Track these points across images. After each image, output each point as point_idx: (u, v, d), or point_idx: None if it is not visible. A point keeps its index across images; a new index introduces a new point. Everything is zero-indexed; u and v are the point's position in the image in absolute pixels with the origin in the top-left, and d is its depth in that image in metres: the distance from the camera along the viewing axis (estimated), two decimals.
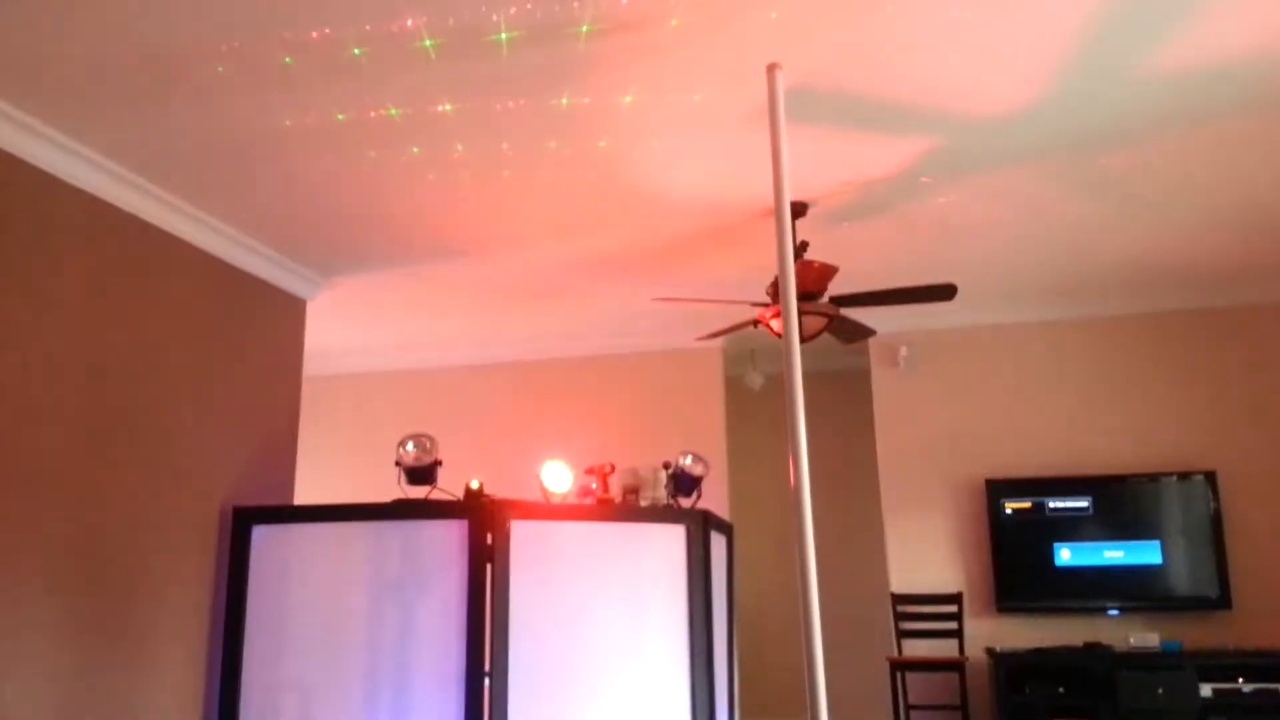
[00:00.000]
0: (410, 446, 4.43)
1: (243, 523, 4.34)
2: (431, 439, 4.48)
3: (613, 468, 4.96)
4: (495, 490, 4.74)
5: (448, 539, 4.26)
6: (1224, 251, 5.03)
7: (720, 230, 4.63)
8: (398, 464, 4.42)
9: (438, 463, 4.47)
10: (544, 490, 4.74)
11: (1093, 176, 4.09)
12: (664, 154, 3.78)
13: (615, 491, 5.23)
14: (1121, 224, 4.63)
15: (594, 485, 4.83)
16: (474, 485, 4.64)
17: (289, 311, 5.08)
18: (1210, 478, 5.40)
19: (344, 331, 6.33)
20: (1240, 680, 4.86)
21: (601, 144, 3.67)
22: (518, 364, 6.77)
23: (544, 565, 4.31)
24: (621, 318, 6.13)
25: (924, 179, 4.04)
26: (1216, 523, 5.34)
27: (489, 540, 4.25)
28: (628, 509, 4.56)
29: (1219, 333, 5.72)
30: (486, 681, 4.10)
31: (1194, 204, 4.39)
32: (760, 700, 6.58)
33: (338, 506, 4.39)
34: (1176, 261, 5.18)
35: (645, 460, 6.14)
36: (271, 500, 4.77)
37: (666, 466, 4.87)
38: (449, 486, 4.48)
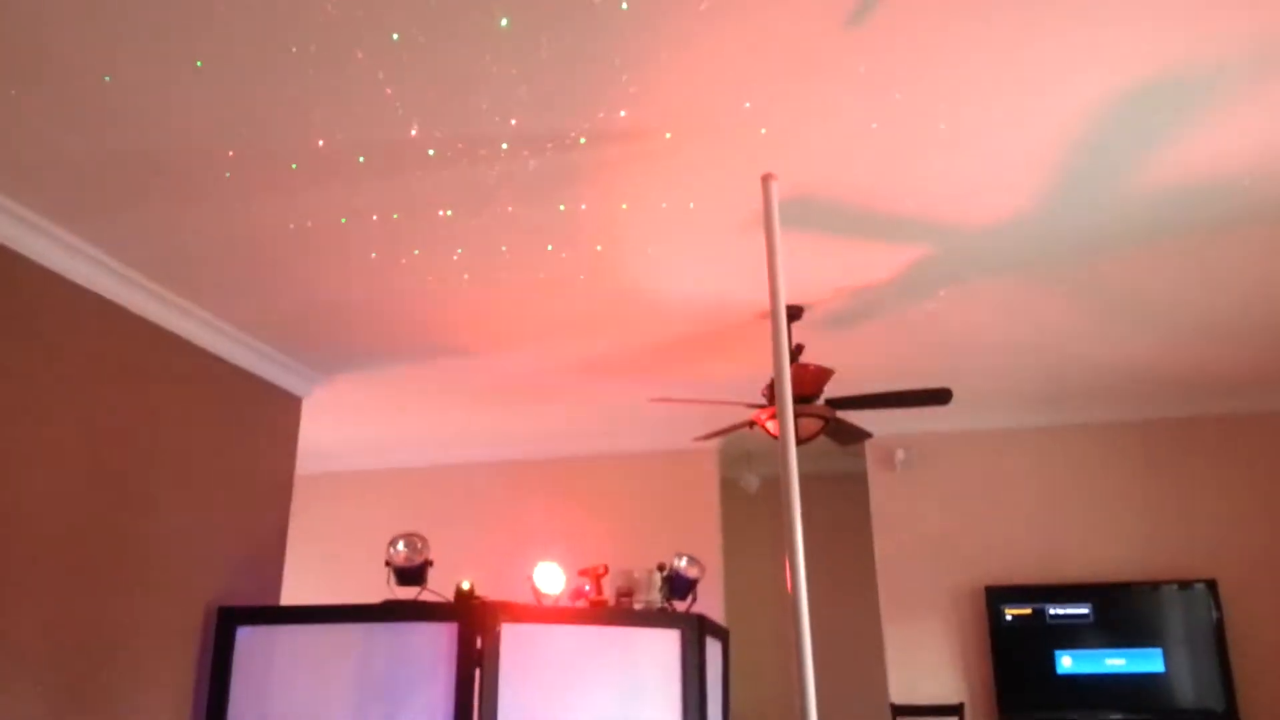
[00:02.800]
0: (400, 546, 4.38)
1: (227, 623, 4.25)
2: (422, 539, 4.43)
3: (606, 569, 4.89)
4: (486, 591, 4.66)
5: (437, 642, 4.17)
6: (1220, 360, 5.08)
7: (716, 333, 4.68)
8: (388, 564, 4.36)
9: (428, 563, 4.41)
10: (536, 592, 4.66)
11: (1086, 284, 4.16)
12: (660, 259, 3.85)
13: (609, 594, 5.14)
14: (1116, 331, 4.69)
15: (587, 587, 4.75)
16: (465, 586, 4.57)
17: (284, 408, 5.08)
18: (1212, 586, 5.33)
19: (337, 429, 6.32)
20: None
21: (598, 248, 3.74)
22: (511, 463, 6.74)
23: (535, 669, 4.21)
24: (616, 418, 6.14)
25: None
26: (1220, 632, 5.25)
27: (479, 644, 4.17)
28: (621, 612, 4.49)
29: (1218, 441, 5.72)
30: None
31: (1188, 313, 4.45)
32: None
33: (324, 607, 4.31)
34: (1173, 370, 5.22)
35: (639, 562, 6.04)
36: (258, 600, 4.68)
37: (661, 569, 4.80)
38: (439, 587, 4.41)
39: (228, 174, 3.14)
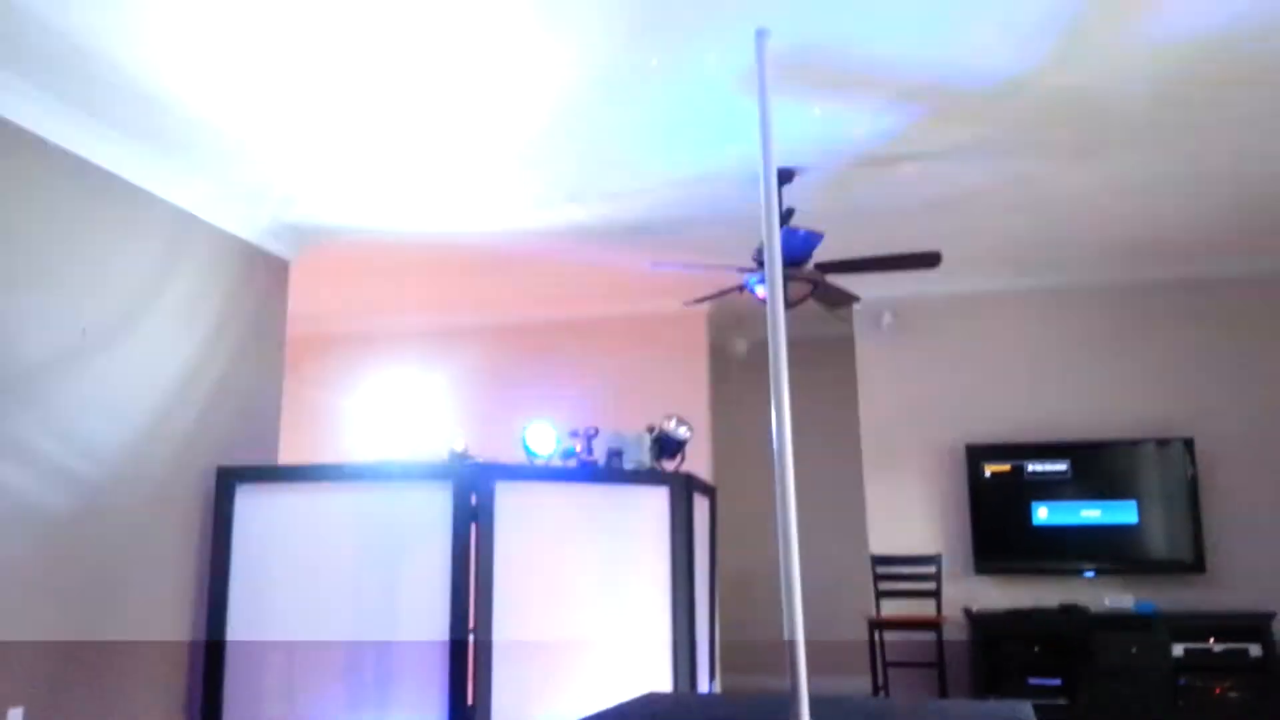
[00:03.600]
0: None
1: (226, 482, 4.34)
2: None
3: (597, 430, 4.99)
4: (479, 453, 4.75)
5: (432, 501, 4.29)
6: (1210, 224, 5.06)
7: (705, 199, 4.62)
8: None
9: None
10: (529, 452, 4.76)
11: (1082, 146, 4.09)
12: (650, 123, 3.76)
13: (599, 454, 5.26)
14: (1109, 192, 4.65)
15: (578, 448, 4.85)
16: (457, 448, 4.66)
17: (272, 273, 5.05)
18: (1189, 444, 5.48)
19: (329, 293, 6.30)
20: (1211, 640, 4.97)
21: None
22: (502, 327, 6.76)
23: (528, 527, 4.35)
24: (609, 283, 6.13)
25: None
26: (1193, 488, 5.43)
27: (473, 501, 4.28)
28: (611, 472, 4.59)
29: (1202, 303, 5.76)
30: (471, 638, 4.16)
31: (1181, 174, 4.41)
32: (742, 659, 6.68)
33: (322, 466, 4.41)
34: (1162, 233, 5.21)
35: (629, 424, 6.15)
36: (257, 460, 4.77)
37: (651, 430, 4.90)
38: (432, 449, 4.50)
39: None
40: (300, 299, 6.28)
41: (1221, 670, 4.91)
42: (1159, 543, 5.43)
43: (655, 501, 4.53)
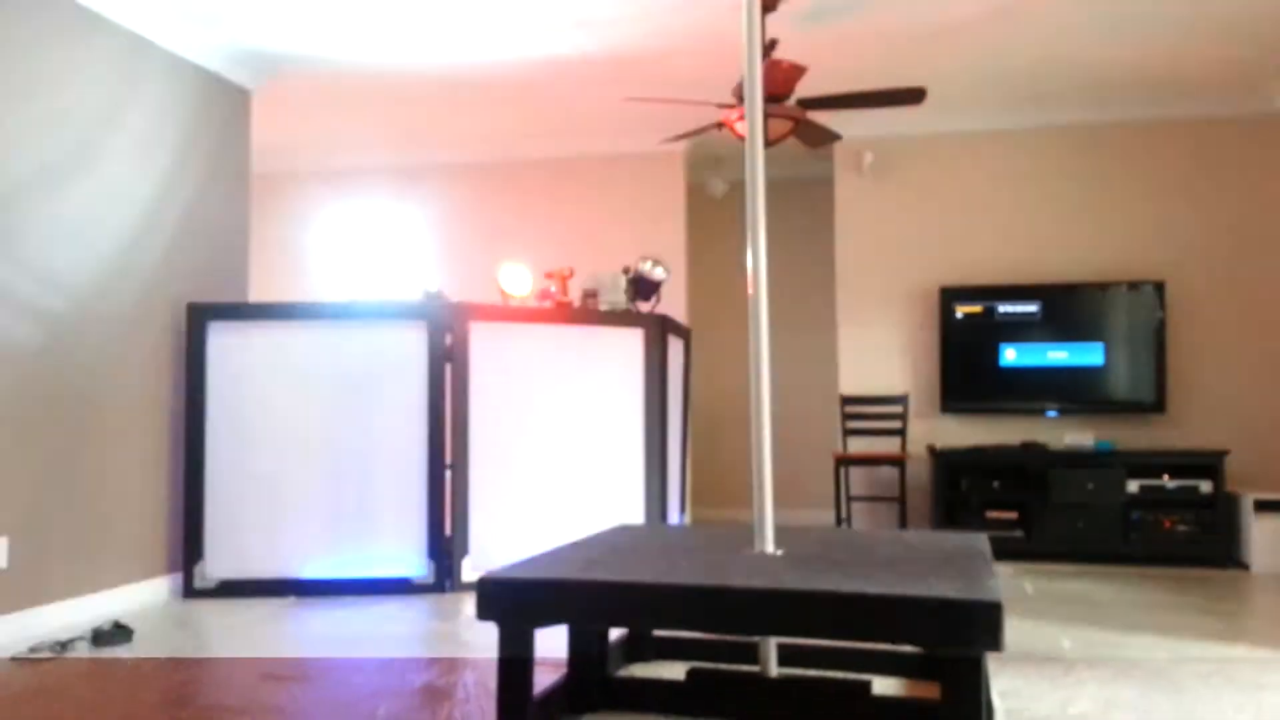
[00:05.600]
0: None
1: (198, 319, 4.31)
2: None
3: (572, 271, 4.96)
4: (454, 295, 4.73)
5: (406, 339, 4.30)
6: (1196, 60, 4.92)
7: (687, 28, 4.43)
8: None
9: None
10: (503, 293, 4.74)
11: None
12: None
13: (574, 295, 5.25)
14: (1099, 26, 4.50)
15: (553, 289, 4.84)
16: (432, 289, 4.63)
17: (233, 103, 4.85)
18: (1159, 287, 5.53)
19: (295, 126, 6.09)
20: (1165, 477, 5.16)
21: None
22: (477, 165, 6.60)
23: (504, 367, 4.39)
24: (584, 119, 5.95)
25: None
26: (1160, 331, 5.51)
27: (449, 341, 4.30)
28: (587, 312, 4.60)
29: (1180, 145, 5.69)
30: (448, 473, 4.26)
31: (1172, 9, 4.26)
32: (713, 492, 6.90)
33: (295, 305, 4.38)
34: (1147, 69, 5.08)
35: (605, 265, 6.13)
36: (226, 298, 4.73)
37: (626, 271, 4.88)
38: (405, 290, 4.47)
39: None
40: (265, 132, 6.08)
41: (1173, 505, 5.13)
42: (1123, 384, 5.56)
43: (630, 342, 4.56)
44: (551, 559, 2.24)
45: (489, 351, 4.34)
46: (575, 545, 2.48)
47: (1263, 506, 4.93)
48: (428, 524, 4.24)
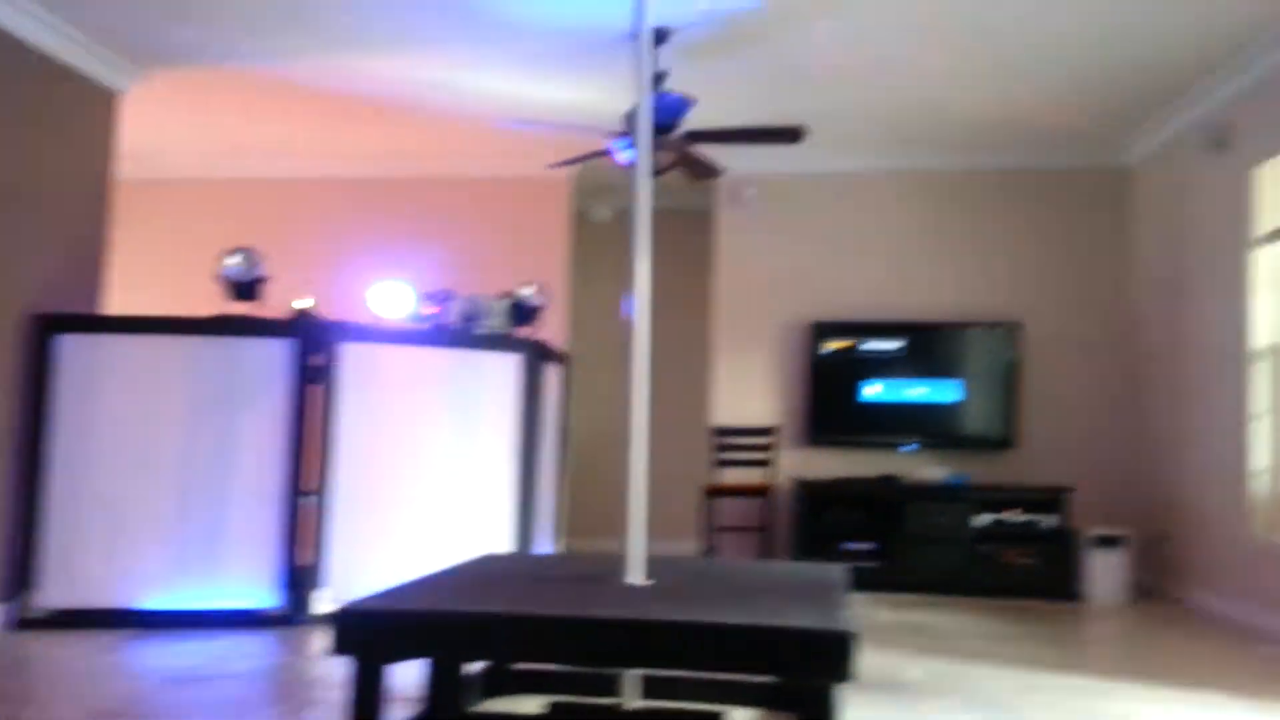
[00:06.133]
0: (236, 259, 4.23)
1: (44, 330, 4.06)
2: (258, 253, 4.28)
3: (451, 293, 4.90)
4: (327, 313, 4.61)
5: (272, 358, 4.14)
6: (1059, 113, 5.27)
7: (577, 55, 4.46)
8: (219, 278, 4.22)
9: (263, 278, 4.29)
10: (378, 312, 4.64)
11: (943, 27, 4.15)
12: None
13: (452, 318, 5.18)
14: (966, 80, 4.76)
15: (430, 310, 4.76)
16: (302, 305, 4.50)
17: (99, 103, 4.62)
18: (1016, 329, 5.84)
19: (166, 131, 5.83)
20: (1012, 511, 5.43)
21: None
22: (357, 181, 6.46)
23: (374, 388, 4.27)
24: (471, 142, 5.91)
25: None
26: (1014, 371, 5.82)
27: (317, 361, 4.16)
28: (463, 335, 4.55)
29: (1041, 194, 6.05)
30: (313, 500, 4.11)
31: (1038, 58, 4.53)
32: (589, 521, 6.89)
33: (153, 318, 4.18)
34: (1014, 120, 5.40)
35: (485, 288, 6.06)
36: (79, 309, 4.47)
37: (506, 296, 4.85)
38: (275, 307, 4.32)
39: None
40: (135, 137, 5.80)
41: (1019, 539, 5.40)
42: (978, 421, 5.84)
43: (507, 368, 4.52)
44: (412, 589, 2.19)
45: (360, 373, 4.23)
46: (438, 575, 2.43)
47: (1101, 541, 5.23)
48: (281, 553, 4.06)
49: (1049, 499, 5.43)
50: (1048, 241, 6.04)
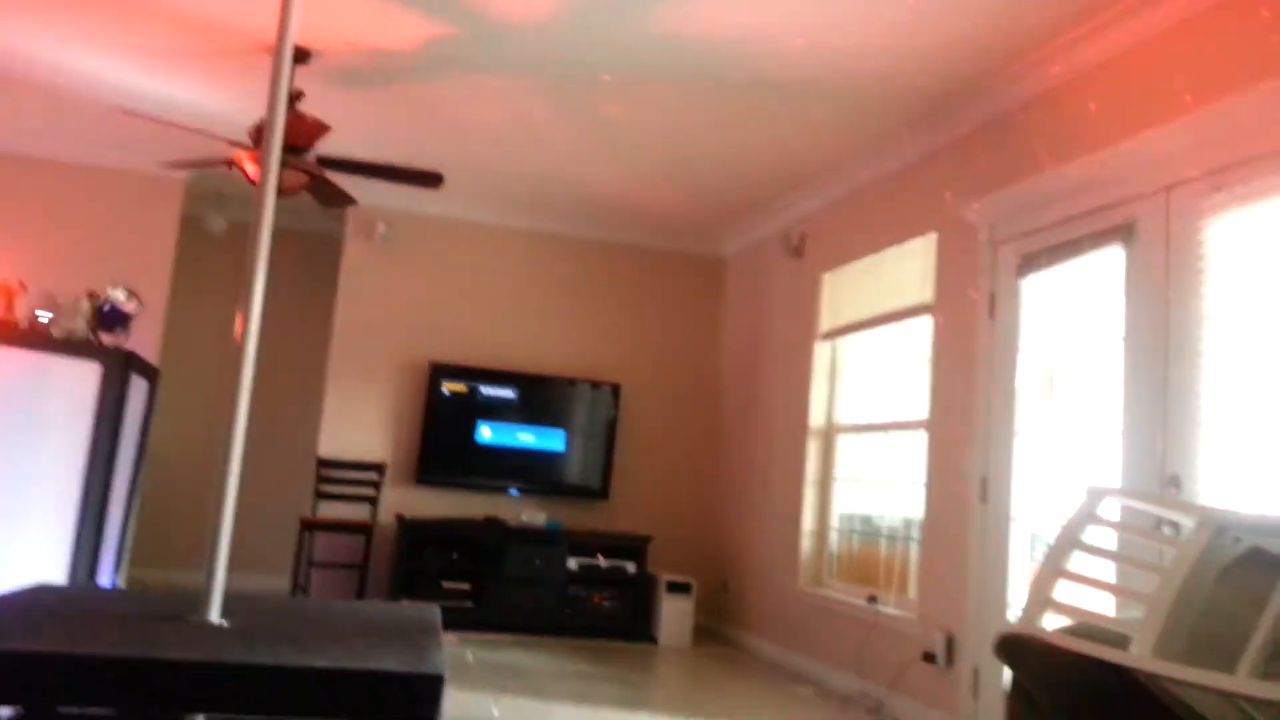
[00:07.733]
0: None
1: None
2: None
3: (22, 286, 4.30)
4: None
5: None
6: (672, 202, 5.85)
7: (211, 53, 4.18)
8: None
9: None
10: None
11: (579, 105, 4.46)
12: None
13: (21, 315, 4.54)
14: (588, 155, 5.14)
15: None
16: None
17: None
18: (616, 390, 6.31)
19: None
20: (599, 557, 5.81)
21: None
22: None
23: None
24: (77, 126, 5.26)
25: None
26: (613, 427, 6.27)
27: None
28: (34, 336, 4.01)
29: (643, 268, 6.67)
30: None
31: (662, 156, 5.03)
32: (161, 551, 6.28)
33: None
34: (631, 202, 5.90)
35: (67, 285, 5.37)
36: None
37: (92, 297, 4.35)
38: None
39: None
40: None
41: (604, 583, 5.79)
42: (577, 470, 6.21)
43: (84, 377, 4.05)
44: None
45: None
46: None
47: (672, 588, 5.76)
48: None
49: (632, 546, 5.88)
50: (650, 313, 6.64)
